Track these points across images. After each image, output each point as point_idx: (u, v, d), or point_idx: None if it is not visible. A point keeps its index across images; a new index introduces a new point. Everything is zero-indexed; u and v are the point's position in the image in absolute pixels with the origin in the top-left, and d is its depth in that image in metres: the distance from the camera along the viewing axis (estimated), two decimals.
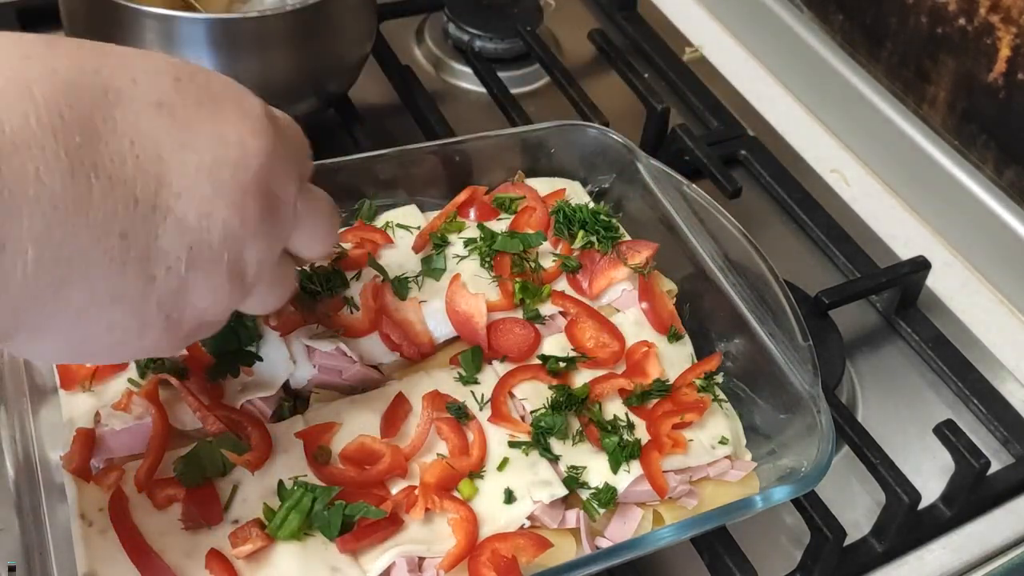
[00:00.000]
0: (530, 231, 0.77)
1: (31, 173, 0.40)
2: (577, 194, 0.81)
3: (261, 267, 0.50)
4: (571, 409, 0.67)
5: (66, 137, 0.41)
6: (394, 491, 0.62)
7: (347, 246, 0.74)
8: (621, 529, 0.64)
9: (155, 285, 0.45)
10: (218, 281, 0.47)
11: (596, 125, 0.85)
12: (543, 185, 0.81)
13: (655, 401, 0.69)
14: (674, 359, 0.73)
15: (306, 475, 0.62)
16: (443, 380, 0.68)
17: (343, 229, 0.76)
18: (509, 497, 0.62)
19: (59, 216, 0.41)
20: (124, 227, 0.43)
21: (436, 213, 0.78)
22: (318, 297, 0.70)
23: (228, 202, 0.46)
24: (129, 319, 0.45)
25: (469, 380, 0.68)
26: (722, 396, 0.71)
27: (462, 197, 0.79)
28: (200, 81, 0.48)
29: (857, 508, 0.76)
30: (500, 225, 0.78)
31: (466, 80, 1.07)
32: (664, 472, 0.65)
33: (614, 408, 0.68)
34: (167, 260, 0.45)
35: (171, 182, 0.44)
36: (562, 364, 0.69)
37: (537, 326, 0.72)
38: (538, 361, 0.70)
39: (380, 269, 0.73)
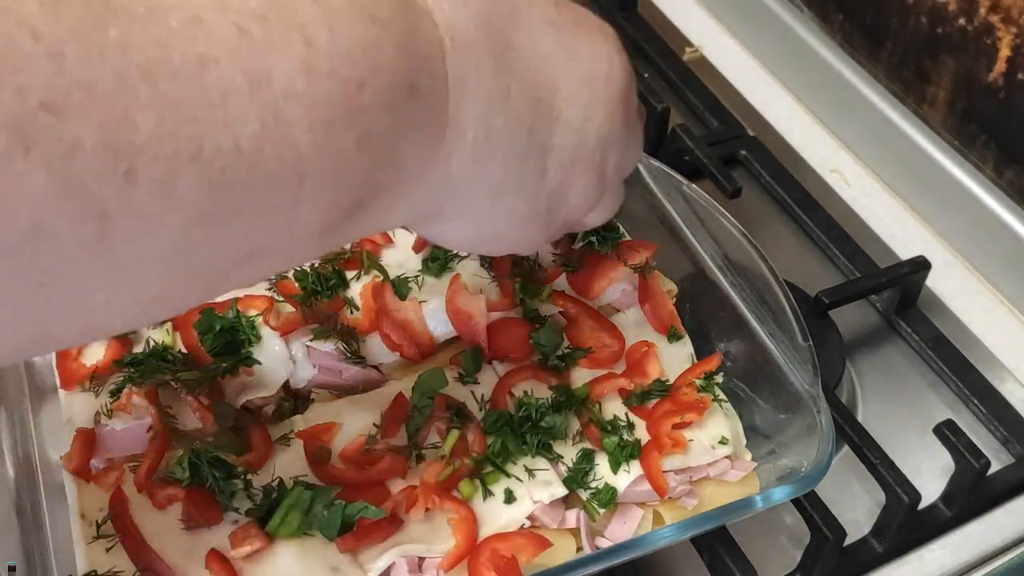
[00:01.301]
0: None
1: (472, 69, 0.45)
2: None
3: (616, 172, 0.56)
4: (571, 409, 0.67)
5: (492, 43, 0.47)
6: (394, 491, 0.62)
7: (347, 246, 0.74)
8: (621, 529, 0.64)
9: (547, 177, 0.51)
10: (590, 179, 0.53)
11: None
12: None
13: (655, 401, 0.69)
14: (674, 359, 0.73)
15: (306, 475, 0.62)
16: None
17: None
18: (509, 497, 0.62)
19: (491, 106, 0.47)
20: (532, 122, 0.49)
21: None
22: (318, 297, 0.70)
23: (603, 108, 0.53)
24: (523, 206, 0.52)
25: (469, 380, 0.68)
26: (722, 396, 0.71)
27: None
28: (571, 6, 0.55)
29: (857, 508, 0.76)
30: None
31: None
32: (664, 472, 0.65)
33: (614, 408, 0.68)
34: (558, 155, 0.51)
35: (561, 88, 0.51)
36: (562, 363, 0.69)
37: (537, 326, 0.72)
38: (538, 361, 0.70)
39: (380, 269, 0.73)
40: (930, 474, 0.78)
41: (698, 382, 0.70)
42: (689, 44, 1.17)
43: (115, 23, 0.33)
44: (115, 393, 0.64)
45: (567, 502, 0.64)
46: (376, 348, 0.69)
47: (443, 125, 0.45)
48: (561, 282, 0.75)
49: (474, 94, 0.46)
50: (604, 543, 0.63)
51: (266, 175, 0.37)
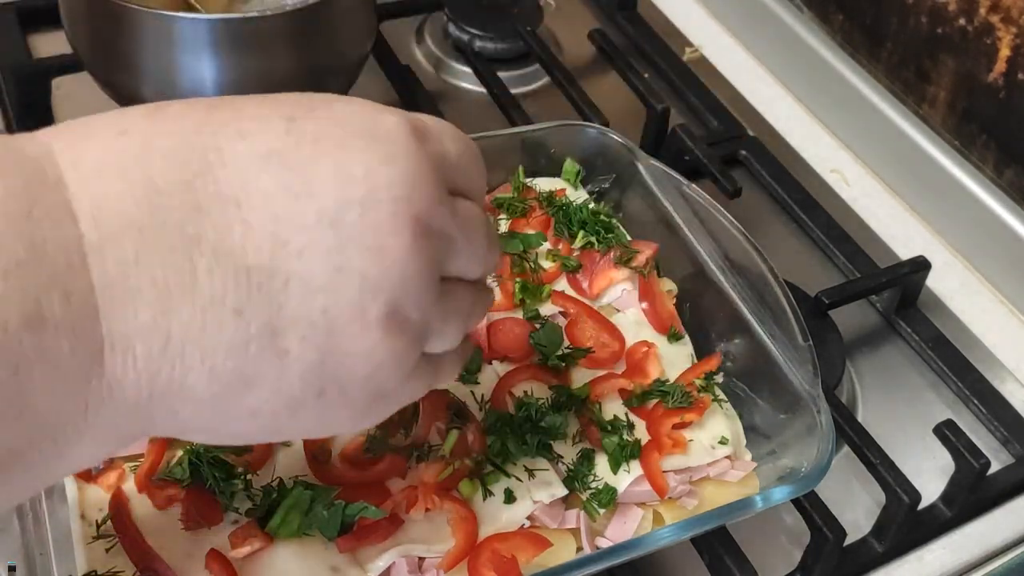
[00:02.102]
0: (530, 231, 0.77)
1: (131, 260, 0.36)
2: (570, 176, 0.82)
3: (430, 309, 0.43)
4: (571, 409, 0.67)
5: (165, 214, 0.37)
6: (394, 491, 0.62)
7: None
8: (621, 529, 0.64)
9: (290, 358, 0.40)
10: (372, 341, 0.41)
11: (596, 125, 0.85)
12: (543, 185, 0.81)
13: (655, 401, 0.69)
14: (674, 359, 0.73)
15: (306, 475, 0.62)
16: None
17: None
18: (509, 497, 0.62)
19: (164, 304, 0.37)
20: (238, 303, 0.38)
21: None
22: None
23: (361, 247, 0.40)
24: (271, 404, 0.41)
25: (469, 380, 0.68)
26: (722, 396, 0.71)
27: None
28: (320, 113, 0.42)
29: (857, 508, 0.76)
30: (500, 225, 0.78)
31: (466, 80, 1.07)
32: (664, 472, 0.65)
33: (614, 408, 0.68)
34: (299, 328, 0.39)
35: (288, 240, 0.39)
36: (562, 363, 0.69)
37: (537, 326, 0.72)
38: (538, 361, 0.70)
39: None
40: (930, 474, 0.78)
41: (698, 382, 0.70)
42: (689, 44, 1.17)
43: None
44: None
45: (567, 502, 0.64)
46: None
47: (95, 350, 0.36)
48: (561, 282, 0.76)
49: (137, 295, 0.36)
50: (604, 543, 0.63)
51: None
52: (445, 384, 0.54)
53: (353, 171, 0.40)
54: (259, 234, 0.39)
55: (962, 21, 0.96)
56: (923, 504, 0.73)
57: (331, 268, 0.40)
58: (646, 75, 1.03)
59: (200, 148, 0.39)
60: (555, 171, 0.83)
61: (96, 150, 0.38)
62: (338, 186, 0.40)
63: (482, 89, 1.04)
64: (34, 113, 0.91)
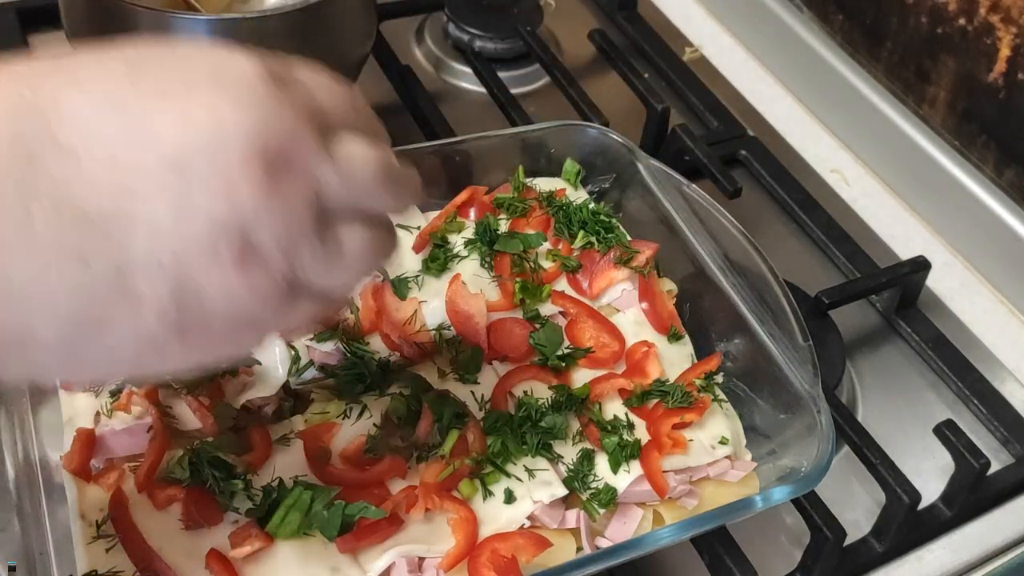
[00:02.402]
0: (530, 231, 0.77)
1: None
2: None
3: (285, 245, 0.42)
4: (571, 409, 0.67)
5: (3, 169, 0.37)
6: (394, 491, 0.62)
7: None
8: (621, 529, 0.64)
9: (142, 300, 0.39)
10: (229, 277, 0.40)
11: (596, 125, 0.85)
12: (543, 185, 0.81)
13: (655, 401, 0.69)
14: (674, 359, 0.73)
15: (306, 475, 0.62)
16: (443, 380, 0.68)
17: None
18: (509, 497, 0.62)
19: (3, 253, 0.37)
20: (81, 248, 0.38)
21: (436, 213, 0.78)
22: None
23: (208, 189, 0.39)
24: (131, 343, 0.41)
25: (469, 380, 0.68)
26: (722, 396, 0.71)
27: (462, 197, 0.79)
28: (163, 60, 0.41)
29: (857, 508, 0.76)
30: (500, 225, 0.78)
31: (466, 80, 1.07)
32: (664, 472, 0.65)
33: (614, 408, 0.68)
34: (148, 272, 0.39)
35: (131, 187, 0.39)
36: (562, 363, 0.69)
37: (537, 326, 0.72)
38: (538, 361, 0.70)
39: (380, 269, 0.73)
40: (930, 474, 0.78)
41: (698, 382, 0.70)
42: (689, 44, 1.17)
43: None
44: (115, 393, 0.64)
45: (567, 502, 0.64)
46: (376, 348, 0.69)
47: None
48: (561, 282, 0.76)
49: None
50: (604, 543, 0.63)
51: None
52: (335, 310, 0.54)
53: (197, 116, 0.40)
54: (100, 182, 0.38)
55: (962, 21, 0.96)
56: (923, 504, 0.73)
57: (176, 211, 0.39)
58: (646, 75, 1.03)
59: (36, 102, 0.39)
60: (555, 171, 0.83)
61: None
62: (182, 131, 0.39)
63: (482, 89, 1.04)
64: None
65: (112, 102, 0.39)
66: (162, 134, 0.39)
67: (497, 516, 0.62)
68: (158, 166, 0.39)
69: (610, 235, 0.77)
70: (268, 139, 0.41)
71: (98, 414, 0.64)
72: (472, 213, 0.78)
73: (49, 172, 0.38)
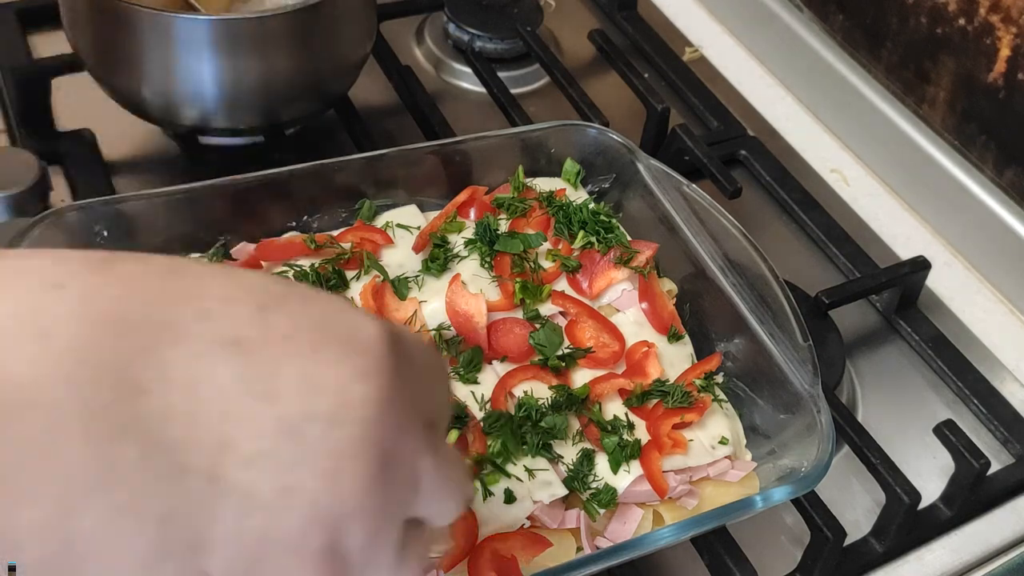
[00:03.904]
0: (530, 231, 0.77)
1: (36, 440, 0.31)
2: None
3: (375, 551, 0.36)
4: (571, 409, 0.67)
5: (90, 391, 0.31)
6: None
7: (347, 246, 0.74)
8: (621, 529, 0.64)
9: None
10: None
11: (596, 125, 0.85)
12: (543, 185, 0.81)
13: (655, 401, 0.69)
14: (674, 359, 0.73)
15: None
16: None
17: (342, 230, 0.76)
18: (509, 497, 0.62)
19: (70, 499, 0.31)
20: (164, 508, 0.32)
21: (436, 213, 0.78)
22: None
23: (316, 468, 0.34)
24: None
25: (469, 380, 0.68)
26: (722, 396, 0.71)
27: (462, 197, 0.79)
28: (294, 307, 0.36)
29: (857, 508, 0.76)
30: (500, 225, 0.78)
31: (466, 80, 1.07)
32: (664, 472, 0.65)
33: (614, 408, 0.68)
34: (227, 550, 0.33)
35: (238, 445, 0.33)
36: (562, 363, 0.69)
37: (537, 326, 0.72)
38: (538, 361, 0.70)
39: (380, 269, 0.73)
40: (930, 474, 0.78)
41: (698, 382, 0.70)
42: (689, 44, 1.17)
43: None
44: None
45: (567, 502, 0.64)
46: None
47: None
48: (561, 282, 0.76)
49: (41, 480, 0.31)
50: (604, 543, 0.63)
51: None
52: None
53: (324, 380, 0.35)
54: (204, 432, 0.33)
55: (962, 21, 0.96)
56: (923, 504, 0.73)
57: (280, 486, 0.34)
58: (646, 75, 1.03)
59: (153, 322, 0.33)
60: (555, 171, 0.83)
61: (13, 302, 0.32)
62: (304, 394, 0.34)
63: (482, 89, 1.04)
64: (34, 113, 0.91)
65: (235, 347, 0.34)
66: (283, 395, 0.34)
67: (497, 516, 0.62)
68: (274, 427, 0.34)
69: (610, 235, 0.77)
70: (386, 428, 0.36)
71: None
72: (472, 213, 0.79)
73: (151, 409, 0.32)
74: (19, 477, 0.30)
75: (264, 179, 0.74)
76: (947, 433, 0.73)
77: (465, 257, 0.75)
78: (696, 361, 0.73)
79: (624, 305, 0.75)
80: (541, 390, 0.68)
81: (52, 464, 0.31)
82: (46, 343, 0.31)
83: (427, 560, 0.43)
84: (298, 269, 0.71)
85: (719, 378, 0.72)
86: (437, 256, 0.74)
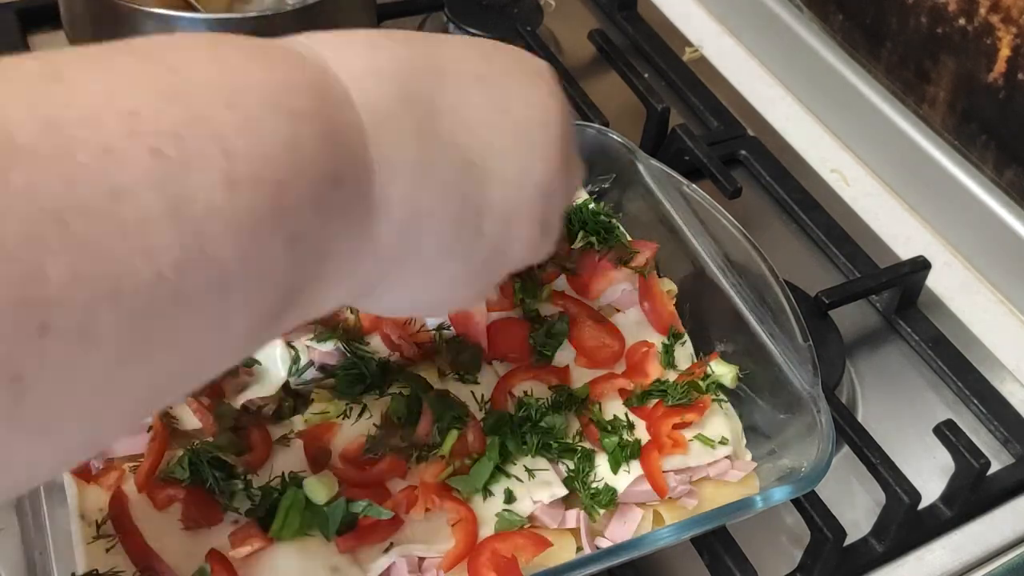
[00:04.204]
0: None
1: (396, 146, 0.43)
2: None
3: (558, 216, 0.53)
4: (571, 409, 0.67)
5: (415, 115, 0.45)
6: (394, 491, 0.62)
7: None
8: (621, 529, 0.64)
9: (484, 238, 0.48)
10: (533, 233, 0.50)
11: (596, 125, 0.85)
12: None
13: (655, 401, 0.69)
14: (674, 359, 0.73)
15: (306, 473, 0.62)
16: (443, 380, 0.68)
17: None
18: (509, 497, 0.62)
19: (418, 181, 0.44)
20: (464, 188, 0.47)
21: None
22: None
23: (541, 157, 0.50)
24: (463, 271, 0.49)
25: (469, 380, 0.68)
26: (722, 396, 0.71)
27: None
28: (501, 54, 0.52)
29: (857, 508, 0.76)
30: None
31: None
32: (664, 472, 0.65)
33: (614, 408, 0.68)
34: (495, 214, 0.48)
35: (494, 143, 0.48)
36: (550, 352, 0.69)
37: (537, 326, 0.71)
38: (538, 361, 0.70)
39: None
40: (930, 474, 0.78)
41: (700, 382, 0.70)
42: (689, 44, 1.17)
43: (18, 167, 0.31)
44: None
45: (567, 502, 0.64)
46: (376, 348, 0.69)
47: (370, 209, 0.43)
48: (561, 282, 0.75)
49: (399, 171, 0.44)
50: (604, 543, 0.63)
51: (191, 299, 0.35)
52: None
53: (535, 98, 0.51)
54: (477, 136, 0.47)
55: (962, 21, 0.96)
56: (923, 504, 0.73)
57: (520, 169, 0.49)
58: (646, 75, 1.03)
59: (433, 67, 0.47)
60: None
61: (358, 60, 0.45)
62: (527, 107, 0.50)
63: None
64: None
65: (482, 79, 0.49)
66: (514, 104, 0.50)
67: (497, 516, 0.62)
68: (513, 129, 0.49)
69: (610, 235, 0.77)
70: (567, 130, 0.52)
71: None
72: None
73: (446, 122, 0.46)
74: (392, 165, 0.44)
75: None
76: (947, 433, 0.73)
77: None
78: (696, 361, 0.73)
79: (624, 305, 0.75)
80: (541, 390, 0.68)
81: (405, 158, 0.44)
82: (386, 82, 0.44)
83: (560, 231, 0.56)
84: None
85: (730, 372, 0.71)
86: None
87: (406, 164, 0.44)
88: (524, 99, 0.51)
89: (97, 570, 0.57)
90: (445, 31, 1.09)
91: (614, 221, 0.78)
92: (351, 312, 0.70)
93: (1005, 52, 0.92)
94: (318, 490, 0.59)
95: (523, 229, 0.50)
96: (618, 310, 0.75)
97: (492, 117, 0.49)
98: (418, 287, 0.49)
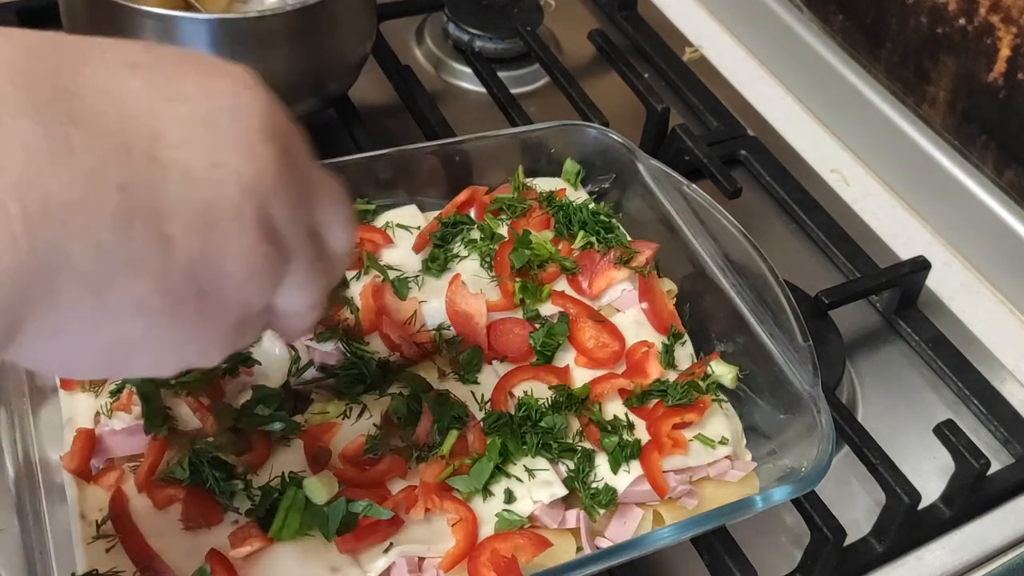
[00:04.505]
0: (533, 233, 0.76)
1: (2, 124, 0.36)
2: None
3: (295, 229, 0.44)
4: (571, 409, 0.67)
5: (29, 87, 0.37)
6: (394, 491, 0.62)
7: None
8: (621, 529, 0.64)
9: (174, 245, 0.39)
10: (250, 241, 0.41)
11: (596, 125, 0.85)
12: (543, 185, 0.81)
13: (655, 401, 0.69)
14: (674, 359, 0.73)
15: (305, 471, 0.62)
16: (443, 380, 0.68)
17: None
18: (509, 497, 0.62)
19: (36, 163, 0.36)
20: (121, 178, 0.38)
21: (436, 213, 0.78)
22: None
23: (236, 148, 0.41)
24: (155, 293, 0.39)
25: (469, 380, 0.68)
26: (722, 396, 0.71)
27: (462, 197, 0.79)
28: (173, 49, 0.44)
29: (857, 508, 0.76)
30: (501, 225, 0.78)
31: (466, 80, 1.07)
32: (664, 472, 0.64)
33: (614, 408, 0.68)
34: (183, 215, 0.39)
35: (165, 134, 0.40)
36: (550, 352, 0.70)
37: (537, 326, 0.72)
38: (538, 361, 0.70)
39: (380, 269, 0.73)
40: (930, 474, 0.78)
41: (700, 383, 0.70)
42: (689, 44, 1.17)
43: None
44: (115, 393, 0.64)
45: (567, 502, 0.64)
46: (376, 348, 0.69)
47: None
48: (561, 282, 0.75)
49: (10, 153, 0.35)
50: (604, 543, 0.63)
51: None
52: (292, 339, 0.57)
53: (218, 87, 0.42)
54: (134, 123, 0.39)
55: (962, 21, 0.96)
56: (923, 504, 0.73)
57: (209, 163, 0.40)
58: (646, 75, 1.03)
59: (64, 50, 0.40)
60: (555, 171, 0.83)
61: None
62: (206, 95, 0.42)
63: (482, 89, 1.04)
64: None
65: (138, 67, 0.41)
66: (189, 96, 0.41)
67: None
68: (190, 119, 0.41)
69: (610, 235, 0.77)
70: (279, 123, 0.44)
71: (98, 414, 0.64)
72: (472, 213, 0.78)
73: (88, 105, 0.38)
74: None
75: None
76: (947, 433, 0.73)
77: (465, 257, 0.75)
78: (696, 361, 0.73)
79: (624, 305, 0.75)
80: (541, 390, 0.68)
81: (17, 139, 0.36)
82: None
83: (325, 300, 0.49)
84: None
85: (730, 372, 0.71)
86: (437, 256, 0.74)
87: (16, 148, 0.35)
88: (203, 88, 0.42)
89: (97, 570, 0.57)
90: (445, 31, 1.09)
91: (614, 221, 0.78)
92: (351, 312, 0.70)
93: (1005, 52, 0.92)
94: (318, 490, 0.59)
95: (231, 235, 0.40)
96: (618, 310, 0.75)
97: (157, 103, 0.40)
98: (90, 321, 0.39)
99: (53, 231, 0.36)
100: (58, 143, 0.36)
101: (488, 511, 0.62)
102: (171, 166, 0.39)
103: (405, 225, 0.76)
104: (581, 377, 0.70)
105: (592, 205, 0.79)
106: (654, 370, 0.71)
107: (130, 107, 0.39)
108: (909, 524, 0.73)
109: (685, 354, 0.73)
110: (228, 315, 0.42)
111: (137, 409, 0.63)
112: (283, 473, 0.61)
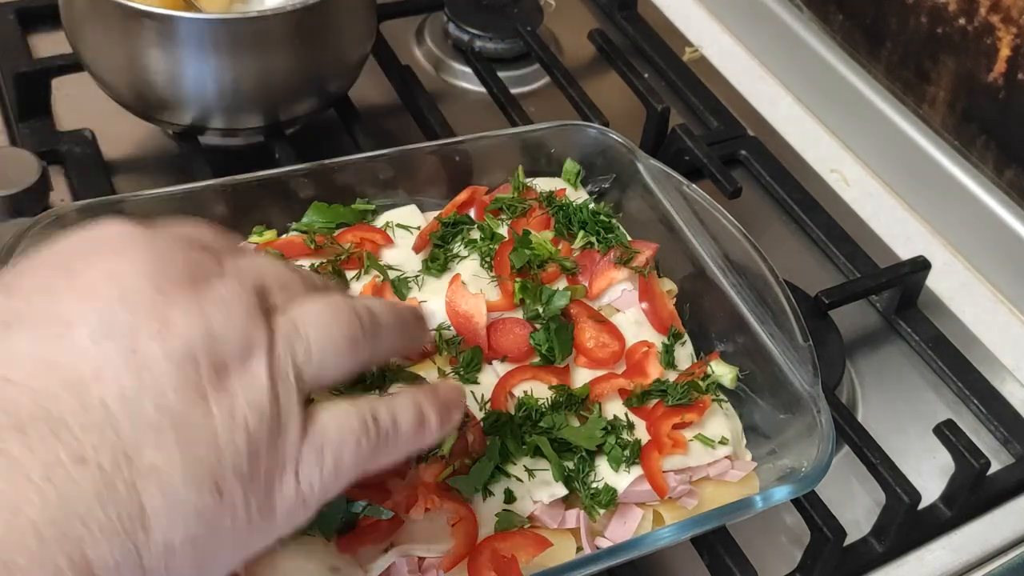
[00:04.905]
0: (534, 233, 0.76)
1: None
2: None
3: (246, 343, 0.40)
4: (571, 409, 0.67)
5: None
6: (394, 491, 0.62)
7: (347, 246, 0.74)
8: (621, 529, 0.64)
9: (162, 473, 0.37)
10: (217, 398, 0.39)
11: (596, 125, 0.85)
12: (543, 185, 0.81)
13: (655, 401, 0.69)
14: (674, 359, 0.73)
15: None
16: (443, 380, 0.68)
17: (342, 230, 0.76)
18: (509, 497, 0.62)
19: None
20: (72, 452, 0.36)
21: (436, 213, 0.78)
22: None
23: (147, 335, 0.38)
24: (177, 528, 0.38)
25: (469, 380, 0.68)
26: (722, 396, 0.71)
27: (462, 197, 0.79)
28: (28, 267, 0.41)
29: (857, 508, 0.76)
30: (501, 225, 0.78)
31: (466, 80, 1.07)
32: (664, 472, 0.65)
33: (614, 408, 0.68)
34: (148, 439, 0.37)
35: (78, 375, 0.37)
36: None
37: (537, 326, 0.71)
38: (538, 361, 0.70)
39: (380, 269, 0.73)
40: (930, 474, 0.78)
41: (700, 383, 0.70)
42: (689, 44, 1.17)
43: None
44: None
45: (567, 502, 0.64)
46: None
47: None
48: (561, 282, 0.75)
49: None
50: (604, 543, 0.63)
51: None
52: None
53: (93, 281, 0.39)
54: (40, 391, 0.36)
55: (962, 21, 0.96)
56: (923, 504, 0.73)
57: (133, 368, 0.37)
58: (646, 75, 1.03)
59: None
60: (555, 171, 0.83)
61: None
62: (87, 302, 0.38)
63: (482, 89, 1.04)
64: (34, 113, 0.91)
65: (6, 324, 0.38)
66: (72, 318, 0.38)
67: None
68: (90, 343, 0.37)
69: (610, 235, 0.77)
70: (166, 262, 0.40)
71: None
72: (472, 213, 0.78)
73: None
74: None
75: (264, 179, 0.74)
76: (947, 433, 0.73)
77: (465, 257, 0.75)
78: (696, 361, 0.73)
79: (624, 305, 0.75)
80: (541, 390, 0.68)
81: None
82: None
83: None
84: (299, 264, 0.71)
85: (730, 372, 0.71)
86: (437, 256, 0.74)
87: None
88: (79, 293, 0.39)
89: None
90: (445, 31, 1.09)
91: (614, 221, 0.78)
92: None
93: (1005, 52, 0.92)
94: None
95: (199, 408, 0.38)
96: (618, 310, 0.75)
97: (51, 348, 0.37)
98: None
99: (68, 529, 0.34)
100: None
101: (488, 511, 0.62)
102: (103, 399, 0.37)
103: (405, 225, 0.76)
104: (581, 377, 0.70)
105: (592, 205, 0.79)
106: (654, 370, 0.71)
107: (19, 372, 0.36)
108: (909, 524, 0.73)
109: (685, 354, 0.73)
110: (257, 482, 0.41)
111: None
112: None
